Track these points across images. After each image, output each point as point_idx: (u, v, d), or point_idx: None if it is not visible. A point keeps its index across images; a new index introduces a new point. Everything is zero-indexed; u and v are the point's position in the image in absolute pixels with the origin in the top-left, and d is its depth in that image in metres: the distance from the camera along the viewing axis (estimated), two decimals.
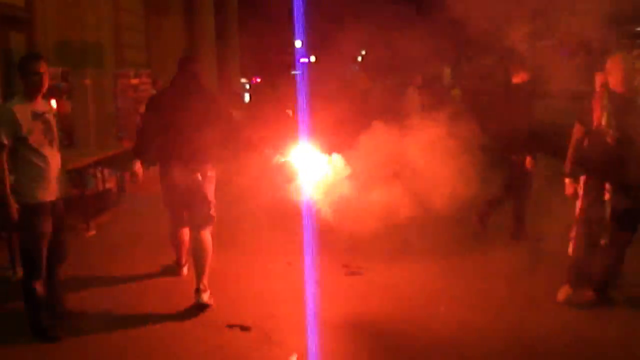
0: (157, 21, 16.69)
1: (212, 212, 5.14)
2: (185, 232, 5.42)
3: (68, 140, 9.52)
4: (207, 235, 5.09)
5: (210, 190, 5.12)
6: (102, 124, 9.74)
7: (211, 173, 5.12)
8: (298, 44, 33.83)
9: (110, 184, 8.28)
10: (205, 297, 4.93)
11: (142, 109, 9.63)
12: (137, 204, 8.63)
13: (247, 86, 24.81)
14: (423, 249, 6.34)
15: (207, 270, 5.03)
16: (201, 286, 4.94)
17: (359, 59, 36.88)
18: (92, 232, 7.36)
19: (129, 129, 9.63)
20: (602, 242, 4.87)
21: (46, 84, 4.37)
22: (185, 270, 5.74)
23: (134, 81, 9.54)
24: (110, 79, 9.73)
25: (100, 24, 13.05)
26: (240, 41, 23.16)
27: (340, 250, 6.16)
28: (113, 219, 8.10)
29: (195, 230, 5.09)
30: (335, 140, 5.21)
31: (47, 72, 4.37)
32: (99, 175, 7.96)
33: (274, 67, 26.86)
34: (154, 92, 10.97)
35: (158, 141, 5.18)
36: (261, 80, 26.41)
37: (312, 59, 39.34)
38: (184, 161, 4.97)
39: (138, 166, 5.24)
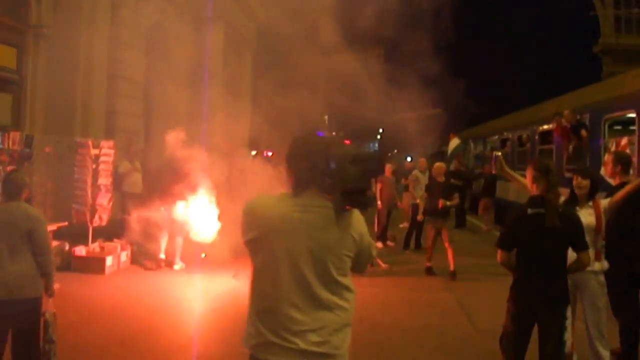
0: (160, 89, 16.66)
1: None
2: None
3: None
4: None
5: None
6: (59, 194, 9.37)
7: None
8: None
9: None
10: (177, 266, 9.67)
11: (101, 180, 9.36)
12: (74, 283, 8.15)
13: None
14: None
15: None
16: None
17: (378, 136, 36.84)
18: None
19: (85, 202, 9.22)
20: None
21: None
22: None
23: (95, 151, 9.14)
24: (73, 147, 9.36)
25: (92, 91, 13.03)
26: (253, 115, 23.00)
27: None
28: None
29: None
30: None
31: None
32: None
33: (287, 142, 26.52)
34: (126, 162, 10.70)
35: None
36: (272, 154, 26.02)
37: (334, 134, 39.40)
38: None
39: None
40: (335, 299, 2.55)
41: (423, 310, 7.74)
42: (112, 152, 9.58)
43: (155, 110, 16.38)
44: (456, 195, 10.21)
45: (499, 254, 4.29)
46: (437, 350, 6.13)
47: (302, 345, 2.47)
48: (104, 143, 9.48)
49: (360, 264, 2.74)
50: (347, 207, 2.55)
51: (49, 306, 4.74)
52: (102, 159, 9.28)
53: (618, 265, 5.36)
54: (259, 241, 2.61)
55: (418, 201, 12.56)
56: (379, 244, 12.91)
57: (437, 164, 10.82)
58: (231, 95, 21.63)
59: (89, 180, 9.14)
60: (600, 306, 4.99)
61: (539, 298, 4.14)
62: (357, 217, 2.65)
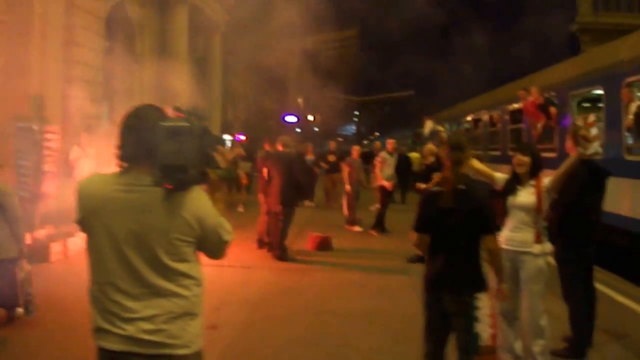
0: (123, 73, 16.28)
1: None
2: None
3: None
4: None
5: None
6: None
7: None
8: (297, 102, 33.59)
9: None
10: None
11: (47, 167, 9.02)
12: None
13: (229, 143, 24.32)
14: None
15: None
16: None
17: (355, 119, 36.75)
18: None
19: (29, 189, 8.88)
20: None
21: None
22: None
23: (38, 136, 8.79)
24: (16, 132, 8.98)
25: (48, 75, 12.62)
26: (225, 97, 22.70)
27: None
28: None
29: None
30: None
31: None
32: None
33: (260, 126, 26.36)
34: (76, 147, 10.29)
35: None
36: (246, 138, 25.73)
37: (310, 117, 39.19)
38: None
39: None
40: (170, 286, 2.36)
41: (374, 294, 7.51)
42: (57, 137, 9.21)
43: (119, 95, 16.03)
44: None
45: (410, 235, 3.97)
46: (384, 336, 5.91)
47: (132, 332, 2.31)
48: (48, 128, 9.11)
49: (210, 251, 2.51)
50: (168, 186, 2.26)
51: (24, 265, 5.63)
52: (47, 144, 8.91)
53: (566, 246, 5.14)
54: (85, 223, 2.42)
55: (384, 183, 12.33)
56: (357, 228, 12.73)
57: (427, 146, 10.57)
58: (200, 78, 21.32)
59: (35, 167, 8.78)
60: (535, 291, 4.70)
61: (440, 283, 3.79)
62: (194, 199, 2.39)
